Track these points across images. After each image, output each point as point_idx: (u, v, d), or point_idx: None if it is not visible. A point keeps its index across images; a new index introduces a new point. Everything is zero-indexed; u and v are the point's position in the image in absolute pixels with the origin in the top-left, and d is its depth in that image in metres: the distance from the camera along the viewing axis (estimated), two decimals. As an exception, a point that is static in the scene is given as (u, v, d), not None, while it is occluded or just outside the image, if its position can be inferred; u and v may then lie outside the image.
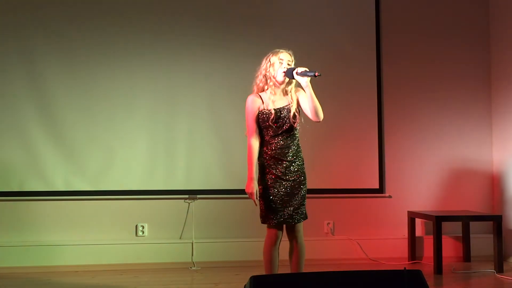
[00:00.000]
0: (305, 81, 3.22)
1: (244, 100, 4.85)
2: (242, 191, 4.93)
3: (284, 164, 3.32)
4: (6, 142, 4.80)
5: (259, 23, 5.10)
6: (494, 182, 5.27)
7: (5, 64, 4.84)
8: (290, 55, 3.38)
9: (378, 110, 5.21)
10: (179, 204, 4.94)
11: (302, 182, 3.35)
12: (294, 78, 3.28)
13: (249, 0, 5.13)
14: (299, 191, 3.33)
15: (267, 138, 3.36)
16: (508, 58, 5.11)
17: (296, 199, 3.32)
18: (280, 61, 3.33)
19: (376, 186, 5.18)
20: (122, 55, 4.94)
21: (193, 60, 5.01)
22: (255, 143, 3.37)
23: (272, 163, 3.33)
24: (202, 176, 4.95)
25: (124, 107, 4.92)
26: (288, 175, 3.32)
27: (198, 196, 4.95)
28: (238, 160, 4.96)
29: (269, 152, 3.34)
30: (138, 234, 4.90)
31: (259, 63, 5.10)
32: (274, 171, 3.32)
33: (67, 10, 4.92)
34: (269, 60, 3.36)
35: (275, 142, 3.33)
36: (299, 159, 3.37)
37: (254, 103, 3.37)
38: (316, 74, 3.17)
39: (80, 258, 4.76)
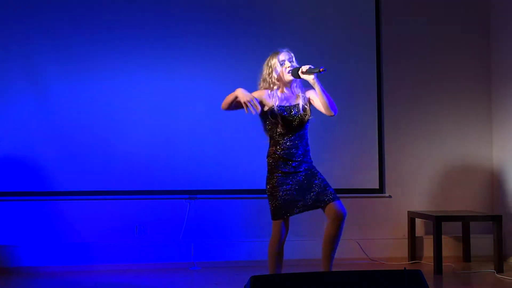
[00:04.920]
0: (312, 78, 3.25)
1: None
2: (242, 191, 5.00)
3: (294, 163, 3.34)
4: (5, 140, 4.80)
5: (260, 22, 5.09)
6: (494, 182, 5.27)
7: (5, 63, 4.84)
8: (289, 52, 3.40)
9: (378, 110, 5.22)
10: (179, 204, 4.94)
11: (315, 172, 3.38)
12: (300, 78, 3.30)
13: (250, 0, 5.13)
14: (315, 178, 3.35)
15: (275, 136, 3.37)
16: (508, 58, 5.11)
17: (315, 185, 3.33)
18: (281, 62, 3.35)
19: (376, 186, 5.18)
20: (122, 54, 4.94)
21: (194, 59, 5.00)
22: None
23: (281, 162, 3.34)
24: (202, 176, 4.95)
25: (124, 106, 4.92)
26: (298, 171, 3.33)
27: (198, 196, 4.95)
28: (238, 160, 4.97)
29: (278, 152, 3.35)
30: (138, 234, 4.90)
31: (259, 63, 5.10)
32: (283, 170, 3.33)
33: (67, 8, 4.91)
34: (270, 65, 3.38)
35: (283, 142, 3.34)
36: (308, 158, 3.39)
37: (262, 92, 3.38)
38: (321, 69, 3.19)
39: (80, 258, 4.76)
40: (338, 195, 3.39)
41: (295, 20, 5.14)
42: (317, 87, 3.27)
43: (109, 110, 4.91)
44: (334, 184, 5.07)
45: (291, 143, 3.34)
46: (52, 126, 4.84)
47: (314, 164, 3.45)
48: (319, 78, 3.30)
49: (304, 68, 3.25)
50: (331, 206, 3.33)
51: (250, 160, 4.88)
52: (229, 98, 3.31)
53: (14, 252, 4.72)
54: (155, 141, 4.93)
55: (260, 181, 4.82)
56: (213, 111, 4.98)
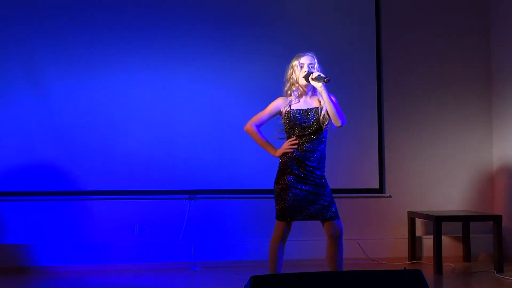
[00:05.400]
0: (320, 86, 3.27)
1: (245, 99, 4.90)
2: (242, 191, 5.00)
3: (308, 168, 3.33)
4: (4, 140, 4.80)
5: (260, 22, 5.09)
6: (494, 182, 5.27)
7: (5, 63, 4.84)
8: (312, 57, 3.41)
9: (378, 110, 5.22)
10: (179, 204, 4.94)
11: (325, 184, 3.37)
12: (310, 83, 3.31)
13: (250, 1, 5.13)
14: (324, 191, 3.34)
15: (294, 137, 3.37)
16: (508, 58, 5.11)
17: (323, 198, 3.33)
18: (300, 65, 3.37)
19: (376, 186, 5.18)
20: (122, 54, 4.94)
21: (194, 59, 5.00)
22: (256, 127, 3.45)
23: (294, 164, 3.33)
24: (202, 176, 4.95)
25: (124, 106, 4.92)
26: (309, 179, 3.33)
27: (198, 196, 4.95)
28: (238, 160, 4.97)
29: (294, 152, 3.34)
30: (138, 234, 4.90)
31: (259, 63, 5.12)
32: (296, 172, 3.33)
33: (67, 9, 4.91)
34: (291, 66, 3.42)
35: (301, 143, 3.34)
36: (322, 166, 3.38)
37: (277, 103, 3.43)
38: (326, 80, 3.22)
39: (80, 258, 4.76)
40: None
41: (295, 20, 5.14)
42: (324, 95, 3.28)
43: (109, 110, 4.91)
44: (334, 184, 5.09)
45: (309, 145, 3.34)
46: (52, 126, 4.84)
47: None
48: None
49: (314, 75, 3.28)
50: (331, 225, 3.36)
51: (250, 160, 4.88)
52: (260, 142, 3.44)
53: (12, 252, 4.72)
54: (155, 141, 4.93)
55: (260, 181, 4.86)
56: (214, 111, 5.00)
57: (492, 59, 5.32)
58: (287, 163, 3.35)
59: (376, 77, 5.22)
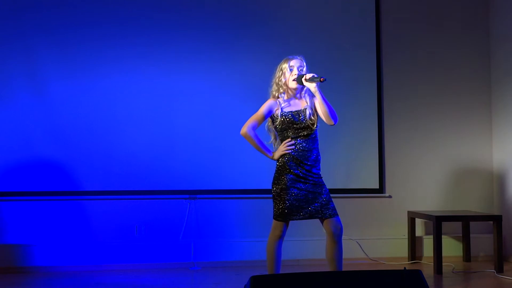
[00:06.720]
0: (313, 86, 3.29)
1: (245, 99, 4.90)
2: (242, 191, 5.00)
3: (306, 167, 3.35)
4: (3, 140, 4.80)
5: (260, 23, 5.09)
6: (494, 182, 5.27)
7: (4, 62, 4.84)
8: (301, 60, 3.44)
9: (378, 110, 5.22)
10: (179, 204, 4.95)
11: (322, 183, 3.40)
12: (304, 85, 3.33)
13: (250, 0, 5.13)
14: (322, 190, 3.36)
15: (288, 139, 3.39)
16: (508, 58, 5.11)
17: (321, 197, 3.34)
18: (290, 68, 3.39)
19: (376, 186, 5.18)
20: (122, 54, 4.94)
21: (194, 59, 5.00)
22: (252, 131, 3.39)
23: (293, 164, 3.35)
24: (202, 176, 4.96)
25: (125, 106, 4.92)
26: (308, 178, 3.35)
27: (198, 196, 4.95)
28: (238, 160, 4.97)
29: (292, 153, 3.36)
30: (138, 234, 4.90)
31: (260, 63, 5.13)
32: (296, 171, 3.34)
33: (67, 7, 4.91)
34: (281, 69, 3.44)
35: (297, 144, 3.36)
36: (318, 164, 3.41)
37: (270, 104, 3.43)
38: (321, 79, 3.23)
39: (80, 258, 4.76)
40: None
41: (296, 21, 5.14)
42: (318, 95, 3.31)
43: (109, 110, 4.91)
44: (334, 184, 5.13)
45: (306, 145, 3.37)
46: (51, 126, 4.84)
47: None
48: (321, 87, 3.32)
49: (308, 76, 3.30)
50: (331, 222, 3.36)
51: (250, 160, 4.88)
52: (256, 146, 3.40)
53: (11, 252, 4.72)
54: (155, 141, 4.94)
55: (259, 181, 4.87)
56: (213, 111, 5.00)
57: (492, 59, 5.32)
58: (286, 164, 3.36)
59: (376, 77, 5.22)
